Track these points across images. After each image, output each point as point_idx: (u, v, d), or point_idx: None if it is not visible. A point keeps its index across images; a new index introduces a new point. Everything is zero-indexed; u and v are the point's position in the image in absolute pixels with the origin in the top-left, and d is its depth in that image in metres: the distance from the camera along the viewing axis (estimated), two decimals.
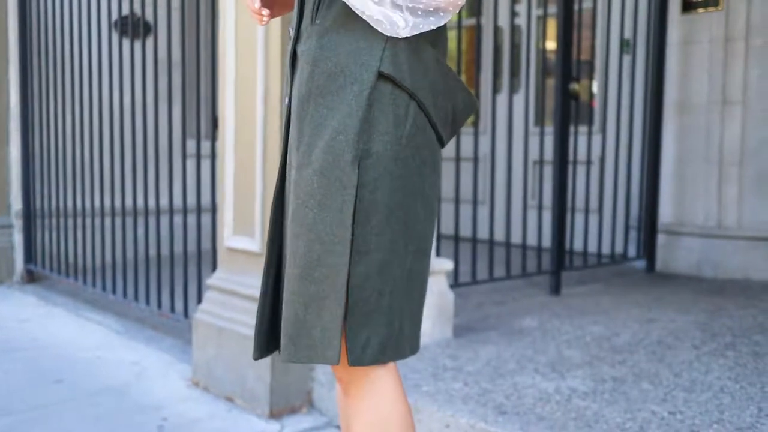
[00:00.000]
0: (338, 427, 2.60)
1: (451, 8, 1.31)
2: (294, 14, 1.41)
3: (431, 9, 1.29)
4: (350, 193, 1.27)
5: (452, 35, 4.71)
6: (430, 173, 1.37)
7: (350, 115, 1.29)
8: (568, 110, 4.05)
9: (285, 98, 1.44)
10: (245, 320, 2.76)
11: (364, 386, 1.36)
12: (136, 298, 3.78)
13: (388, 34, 1.28)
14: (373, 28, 1.28)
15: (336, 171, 1.28)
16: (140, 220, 3.88)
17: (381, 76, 1.29)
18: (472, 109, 1.44)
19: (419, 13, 1.29)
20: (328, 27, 1.32)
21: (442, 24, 1.32)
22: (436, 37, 1.37)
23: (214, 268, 3.12)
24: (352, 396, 1.38)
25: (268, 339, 1.44)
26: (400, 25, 1.27)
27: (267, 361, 2.64)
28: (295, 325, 1.31)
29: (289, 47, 1.41)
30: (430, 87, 1.34)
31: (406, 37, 1.30)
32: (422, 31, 1.30)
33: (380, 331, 1.31)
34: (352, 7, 1.28)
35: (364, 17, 1.28)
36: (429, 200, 1.37)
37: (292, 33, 1.40)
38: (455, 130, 1.43)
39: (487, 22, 5.61)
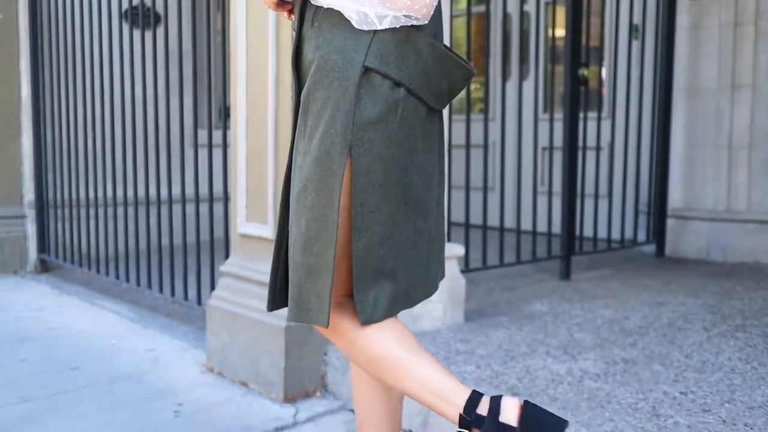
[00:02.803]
0: (352, 410, 2.62)
1: (422, 12, 1.41)
2: (295, 19, 1.55)
3: (403, 13, 1.40)
4: (338, 180, 1.41)
5: (461, 22, 4.72)
6: (425, 142, 1.52)
7: (338, 109, 1.41)
8: (578, 96, 4.05)
9: (293, 95, 1.58)
10: (259, 306, 2.78)
11: (350, 335, 1.53)
12: (149, 286, 3.81)
13: (365, 29, 1.41)
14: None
15: (327, 160, 1.42)
16: (153, 210, 3.91)
17: (368, 69, 1.41)
18: (467, 80, 1.56)
19: (391, 12, 1.40)
20: (324, 28, 1.46)
21: (418, 23, 1.43)
22: (431, 24, 1.48)
23: (226, 255, 3.14)
24: (347, 341, 1.54)
25: (281, 295, 1.63)
26: (375, 21, 1.40)
27: (281, 346, 2.67)
28: (299, 290, 1.48)
29: (292, 48, 1.55)
30: (422, 72, 1.46)
31: (393, 30, 1.42)
32: (403, 24, 1.41)
33: (387, 290, 1.48)
34: (333, 7, 1.43)
35: (345, 15, 1.42)
36: (424, 167, 1.52)
37: (293, 35, 1.54)
38: (451, 98, 1.57)
39: (495, 8, 5.61)
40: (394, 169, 1.45)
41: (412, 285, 1.54)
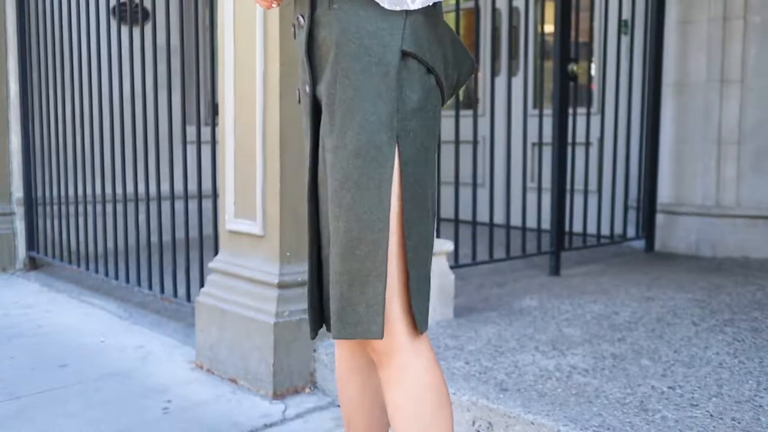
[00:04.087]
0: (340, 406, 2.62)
1: None
2: (303, 3, 1.40)
3: None
4: (388, 172, 1.30)
5: (450, 18, 4.71)
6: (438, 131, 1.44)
7: (380, 96, 1.30)
8: (567, 92, 4.06)
9: (304, 85, 1.43)
10: (248, 302, 2.78)
11: (403, 356, 1.38)
12: (138, 283, 3.80)
13: (398, 8, 1.30)
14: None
15: (371, 151, 1.30)
16: (141, 207, 3.90)
17: (405, 54, 1.31)
18: (471, 74, 1.48)
19: None
20: (347, 10, 1.33)
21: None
22: (441, 8, 1.40)
23: (215, 252, 3.14)
24: (388, 366, 1.39)
25: (319, 318, 1.50)
26: (408, 0, 1.29)
27: (270, 342, 2.67)
28: (341, 302, 1.34)
29: (302, 35, 1.40)
30: (443, 59, 1.37)
31: (424, 12, 1.33)
32: (435, 1, 1.33)
33: (425, 298, 1.38)
34: None
35: None
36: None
37: (303, 21, 1.39)
38: (456, 91, 1.48)
39: (485, 4, 5.61)
40: (431, 161, 1.37)
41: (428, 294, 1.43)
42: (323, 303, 1.50)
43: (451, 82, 1.42)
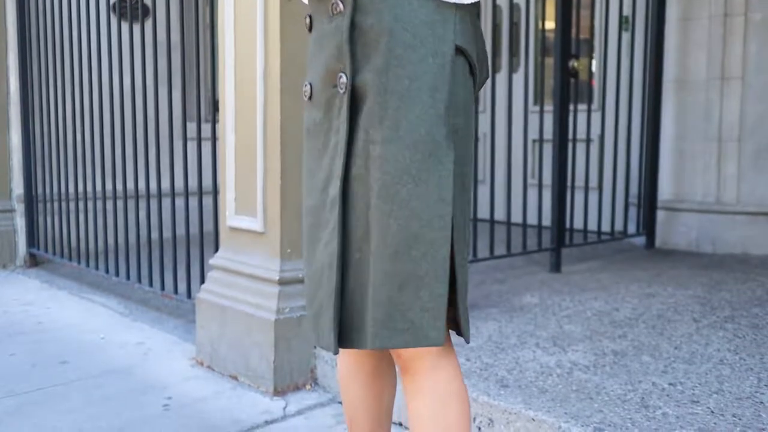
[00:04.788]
0: (342, 403, 2.62)
1: None
2: None
3: None
4: (448, 168, 1.24)
5: None
6: None
7: (437, 89, 1.25)
8: (568, 88, 4.05)
9: (343, 74, 1.30)
10: (248, 299, 2.78)
11: (431, 362, 1.34)
12: (139, 280, 3.80)
13: (451, 1, 1.27)
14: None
15: (430, 145, 1.24)
16: (142, 203, 3.90)
17: (457, 49, 1.28)
18: (487, 77, 1.45)
19: None
20: None
21: None
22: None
23: (216, 249, 3.13)
24: (415, 373, 1.35)
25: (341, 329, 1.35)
26: None
27: (270, 339, 2.66)
28: (388, 308, 1.25)
29: (344, 21, 1.29)
30: (477, 57, 1.34)
31: (467, 8, 1.30)
32: None
33: (466, 303, 1.33)
34: None
35: None
36: None
37: (342, 6, 1.30)
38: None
39: (485, 0, 5.60)
40: (471, 162, 1.32)
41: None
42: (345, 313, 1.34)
43: (479, 84, 1.39)
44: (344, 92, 1.30)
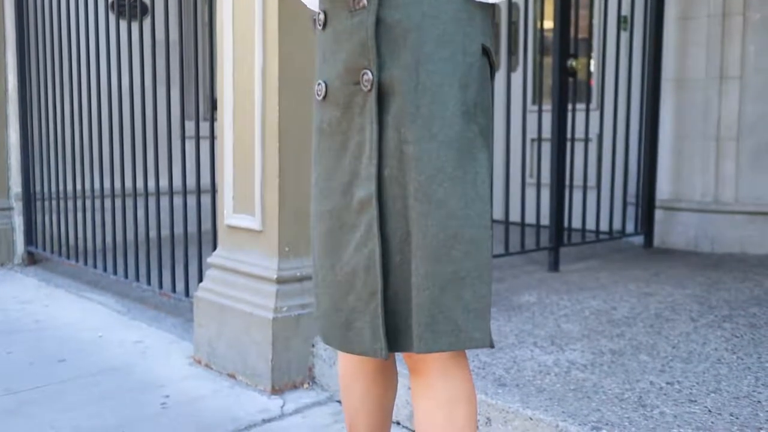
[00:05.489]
0: (339, 401, 2.62)
1: None
2: None
3: None
4: (484, 166, 1.24)
5: None
6: None
7: (468, 87, 1.24)
8: (566, 88, 4.05)
9: (368, 70, 1.26)
10: (246, 298, 2.78)
11: (443, 364, 1.32)
12: (137, 278, 3.80)
13: (489, 1, 1.26)
14: None
15: (465, 143, 1.22)
16: (140, 202, 3.90)
17: (483, 48, 1.27)
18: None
19: None
20: None
21: None
22: None
23: (214, 247, 3.13)
24: (424, 373, 1.34)
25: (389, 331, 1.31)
26: None
27: (268, 337, 2.67)
28: (431, 310, 1.23)
29: (370, 17, 1.25)
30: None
31: (489, 8, 1.29)
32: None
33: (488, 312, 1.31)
34: None
35: None
36: None
37: (365, 1, 1.26)
38: None
39: None
40: (491, 163, 1.29)
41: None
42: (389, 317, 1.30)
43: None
44: (369, 89, 1.26)
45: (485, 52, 1.28)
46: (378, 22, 1.25)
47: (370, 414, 1.58)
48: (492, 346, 1.27)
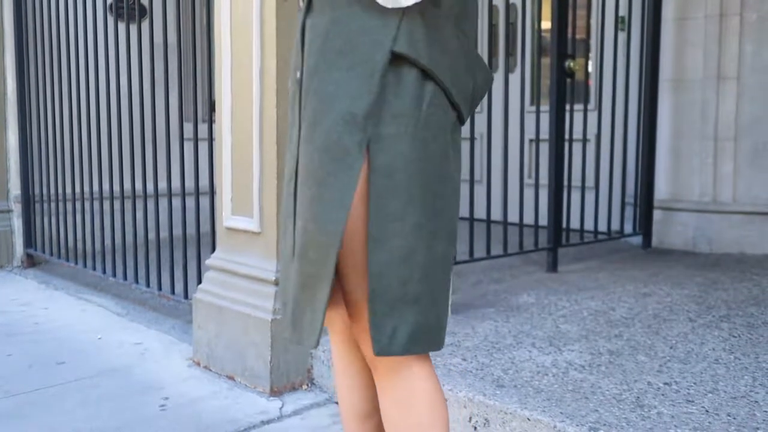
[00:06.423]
0: (338, 403, 2.63)
1: None
2: None
3: None
4: (354, 175, 1.21)
5: None
6: (455, 154, 1.33)
7: (360, 97, 1.22)
8: (564, 88, 4.06)
9: (296, 71, 1.36)
10: (245, 299, 2.78)
11: (394, 362, 1.33)
12: (136, 280, 3.80)
13: (389, 6, 1.22)
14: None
15: (339, 151, 1.22)
16: (139, 204, 3.90)
17: (395, 55, 1.23)
18: (488, 85, 1.40)
19: None
20: (342, 1, 1.26)
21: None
22: (461, 11, 1.32)
23: (213, 249, 3.14)
24: (378, 372, 1.36)
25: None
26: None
27: (267, 339, 2.67)
28: (293, 306, 1.30)
29: (300, 18, 1.34)
30: (450, 65, 1.28)
31: (423, 13, 1.25)
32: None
33: (409, 321, 1.26)
34: None
35: None
36: (455, 182, 1.33)
37: (302, 4, 1.34)
38: (473, 107, 1.39)
39: (482, 0, 5.61)
40: (419, 172, 1.24)
41: (438, 321, 1.31)
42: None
43: (466, 90, 1.32)
44: (295, 88, 1.35)
45: (403, 57, 1.23)
46: (305, 25, 1.33)
47: (354, 406, 1.59)
48: (313, 347, 1.28)
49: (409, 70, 1.24)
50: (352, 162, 1.22)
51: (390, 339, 1.26)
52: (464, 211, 3.95)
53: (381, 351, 1.26)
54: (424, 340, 1.29)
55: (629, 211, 4.81)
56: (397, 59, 1.23)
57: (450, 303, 1.39)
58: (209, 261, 3.03)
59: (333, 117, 1.24)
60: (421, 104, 1.24)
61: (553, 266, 4.03)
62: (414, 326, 1.27)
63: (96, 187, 4.29)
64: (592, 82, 5.22)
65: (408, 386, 1.34)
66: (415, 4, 1.22)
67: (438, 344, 1.32)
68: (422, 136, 1.24)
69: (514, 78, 5.29)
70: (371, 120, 1.22)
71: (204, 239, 3.42)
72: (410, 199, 1.24)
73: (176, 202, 3.48)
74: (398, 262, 1.24)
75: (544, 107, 4.24)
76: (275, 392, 2.69)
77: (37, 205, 4.93)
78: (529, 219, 4.21)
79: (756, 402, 2.12)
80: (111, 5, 4.89)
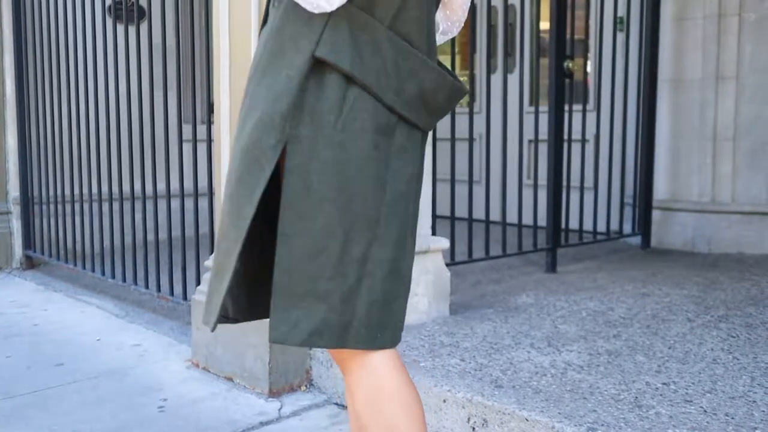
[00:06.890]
0: (337, 404, 2.63)
1: None
2: None
3: None
4: (265, 175, 1.26)
5: None
6: (396, 159, 1.32)
7: (279, 99, 1.27)
8: (563, 89, 4.06)
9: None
10: None
11: (360, 360, 1.35)
12: (135, 281, 3.80)
13: (316, 11, 1.24)
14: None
15: (256, 151, 1.28)
16: (138, 205, 3.90)
17: (317, 60, 1.25)
18: (450, 90, 1.38)
19: None
20: (283, 9, 1.31)
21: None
22: (397, 15, 1.30)
23: (212, 251, 3.14)
24: (346, 370, 1.39)
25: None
26: (324, 4, 1.23)
27: (266, 340, 2.66)
28: (209, 291, 1.40)
29: (261, 25, 1.44)
30: (379, 68, 1.28)
31: (350, 17, 1.26)
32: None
33: (316, 315, 1.28)
34: None
35: None
36: (392, 186, 1.31)
37: (266, 12, 1.42)
38: (435, 111, 1.38)
39: (481, 1, 5.61)
40: (334, 173, 1.26)
41: (360, 320, 1.30)
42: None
43: (407, 95, 1.31)
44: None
45: (324, 62, 1.25)
46: (263, 28, 1.41)
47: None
48: (212, 329, 1.37)
49: (330, 75, 1.26)
50: (264, 163, 1.27)
51: (291, 329, 1.28)
52: (463, 212, 3.97)
53: (276, 338, 1.28)
54: (329, 336, 1.29)
55: (628, 212, 4.81)
56: (320, 64, 1.26)
57: (406, 305, 1.37)
58: (208, 262, 3.03)
59: (256, 118, 1.30)
60: (342, 107, 1.26)
61: (551, 267, 4.03)
62: (320, 322, 1.28)
63: (95, 189, 4.29)
64: (591, 83, 5.22)
65: (376, 384, 1.34)
66: (343, 10, 1.25)
67: (360, 343, 1.31)
68: (340, 139, 1.26)
69: (513, 78, 5.29)
70: (289, 122, 1.26)
71: (203, 241, 3.43)
72: (321, 200, 1.26)
73: (175, 204, 3.48)
74: (306, 259, 1.27)
75: (543, 108, 4.24)
76: (274, 393, 2.69)
77: (36, 207, 4.93)
78: (527, 219, 4.21)
79: (754, 402, 2.12)
80: (110, 7, 4.89)
